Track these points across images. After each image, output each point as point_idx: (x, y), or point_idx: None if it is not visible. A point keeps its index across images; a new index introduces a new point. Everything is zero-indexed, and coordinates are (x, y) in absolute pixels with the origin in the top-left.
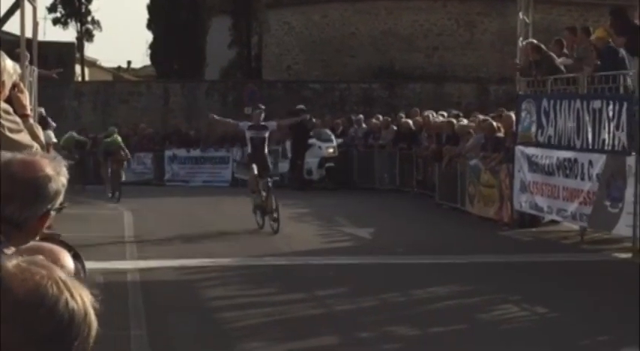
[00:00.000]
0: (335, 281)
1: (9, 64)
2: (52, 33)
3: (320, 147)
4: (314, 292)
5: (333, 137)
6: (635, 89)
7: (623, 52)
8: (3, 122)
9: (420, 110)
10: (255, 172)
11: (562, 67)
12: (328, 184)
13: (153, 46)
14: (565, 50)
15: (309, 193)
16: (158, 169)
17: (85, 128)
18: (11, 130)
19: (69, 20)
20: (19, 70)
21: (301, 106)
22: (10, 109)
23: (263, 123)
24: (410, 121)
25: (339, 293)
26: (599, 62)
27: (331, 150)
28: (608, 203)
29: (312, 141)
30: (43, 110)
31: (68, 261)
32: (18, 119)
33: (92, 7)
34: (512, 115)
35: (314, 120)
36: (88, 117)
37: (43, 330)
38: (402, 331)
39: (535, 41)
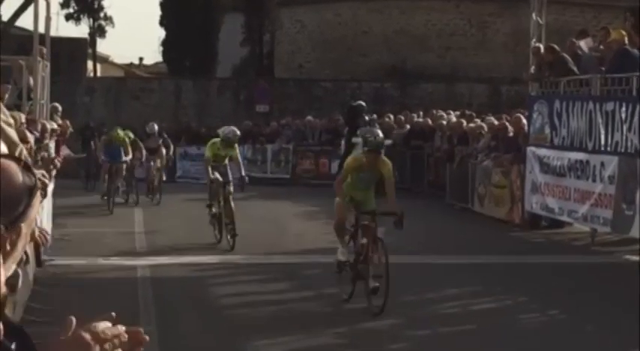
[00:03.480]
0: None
1: None
2: (65, 29)
3: None
4: (323, 291)
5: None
6: None
7: (637, 53)
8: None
9: (432, 110)
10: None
11: (575, 68)
12: None
13: (165, 43)
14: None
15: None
16: (169, 166)
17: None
18: (6, 123)
19: (81, 16)
20: None
21: (360, 102)
22: (1, 105)
23: None
24: (421, 120)
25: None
26: (603, 68)
27: None
28: (624, 206)
29: (356, 140)
30: (57, 105)
31: (19, 175)
32: (7, 112)
33: (105, 3)
34: (522, 116)
35: (367, 118)
36: (100, 113)
37: None
38: (411, 331)
39: (541, 45)
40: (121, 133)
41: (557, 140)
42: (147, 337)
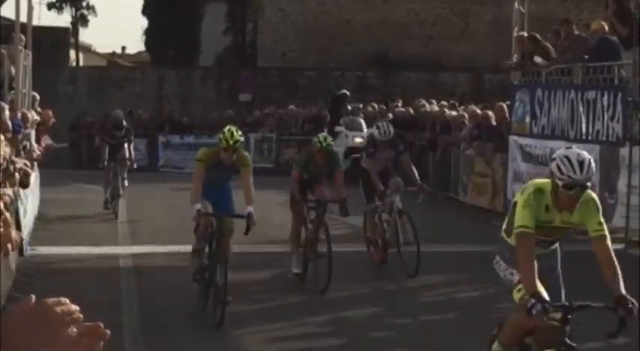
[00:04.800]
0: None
1: None
2: (47, 18)
3: (347, 136)
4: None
5: (364, 126)
6: (629, 80)
7: (617, 42)
8: None
9: (415, 99)
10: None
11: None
12: (351, 176)
13: (148, 32)
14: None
15: None
16: (152, 155)
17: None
18: None
19: (64, 5)
20: None
21: (344, 91)
22: None
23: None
24: (403, 109)
25: (331, 280)
26: (586, 57)
27: (359, 139)
28: (606, 194)
29: (339, 129)
30: (36, 94)
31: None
32: None
33: None
34: (504, 105)
35: (349, 107)
36: (83, 102)
37: None
38: (393, 319)
39: (526, 34)
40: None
41: (537, 129)
42: (108, 332)
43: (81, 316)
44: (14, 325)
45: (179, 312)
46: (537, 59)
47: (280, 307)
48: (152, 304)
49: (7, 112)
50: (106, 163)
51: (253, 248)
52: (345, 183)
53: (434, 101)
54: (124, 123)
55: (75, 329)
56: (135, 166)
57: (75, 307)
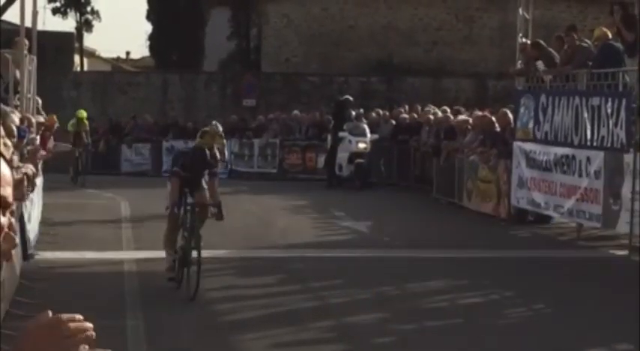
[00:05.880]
0: (331, 274)
1: None
2: (52, 23)
3: (350, 141)
4: (310, 285)
5: (367, 131)
6: (633, 86)
7: (620, 48)
8: None
9: (419, 105)
10: None
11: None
12: (355, 182)
13: (152, 37)
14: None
15: (312, 185)
16: (156, 160)
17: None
18: None
19: (68, 10)
20: None
21: (347, 96)
22: None
23: None
24: (407, 116)
25: (334, 286)
26: (590, 63)
27: (362, 145)
28: (611, 201)
29: (343, 134)
30: (38, 98)
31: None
32: None
33: None
34: (508, 111)
35: (353, 112)
36: (87, 107)
37: None
38: (397, 325)
39: (529, 41)
40: None
41: (540, 134)
42: None
43: (94, 334)
44: (30, 340)
45: (183, 317)
46: (539, 64)
47: (283, 312)
48: (156, 309)
49: (11, 116)
50: (175, 209)
51: (256, 253)
52: (351, 190)
53: (435, 108)
54: (208, 154)
55: (87, 347)
56: (224, 215)
57: (89, 325)
